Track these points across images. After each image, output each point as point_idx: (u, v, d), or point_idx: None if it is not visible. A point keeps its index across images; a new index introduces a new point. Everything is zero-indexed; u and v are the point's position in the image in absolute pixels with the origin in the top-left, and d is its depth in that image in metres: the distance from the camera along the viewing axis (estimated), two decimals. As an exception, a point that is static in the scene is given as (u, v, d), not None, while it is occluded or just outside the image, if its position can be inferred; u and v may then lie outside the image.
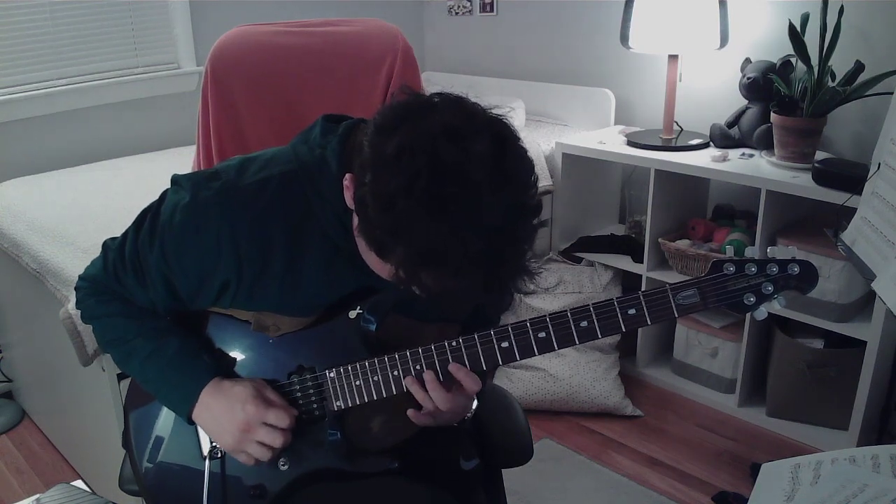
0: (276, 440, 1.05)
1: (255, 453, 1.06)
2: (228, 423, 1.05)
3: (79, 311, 1.17)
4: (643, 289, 1.00)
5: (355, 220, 0.92)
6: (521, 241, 0.87)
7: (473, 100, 0.89)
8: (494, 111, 0.89)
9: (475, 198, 0.82)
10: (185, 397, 1.08)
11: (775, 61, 2.33)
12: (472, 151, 0.82)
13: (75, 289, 1.16)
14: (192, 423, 1.10)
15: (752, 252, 0.98)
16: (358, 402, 1.08)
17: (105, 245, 1.13)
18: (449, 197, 0.81)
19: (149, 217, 1.07)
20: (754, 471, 2.19)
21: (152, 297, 1.09)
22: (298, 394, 1.10)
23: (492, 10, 3.30)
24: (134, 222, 1.09)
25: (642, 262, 2.60)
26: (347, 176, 0.92)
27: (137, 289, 1.09)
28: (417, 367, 1.03)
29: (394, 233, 0.84)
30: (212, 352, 1.13)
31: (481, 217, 0.82)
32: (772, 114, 2.25)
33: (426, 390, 1.02)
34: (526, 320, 1.01)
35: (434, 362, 1.03)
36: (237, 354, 1.14)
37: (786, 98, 2.22)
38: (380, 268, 0.92)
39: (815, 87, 2.14)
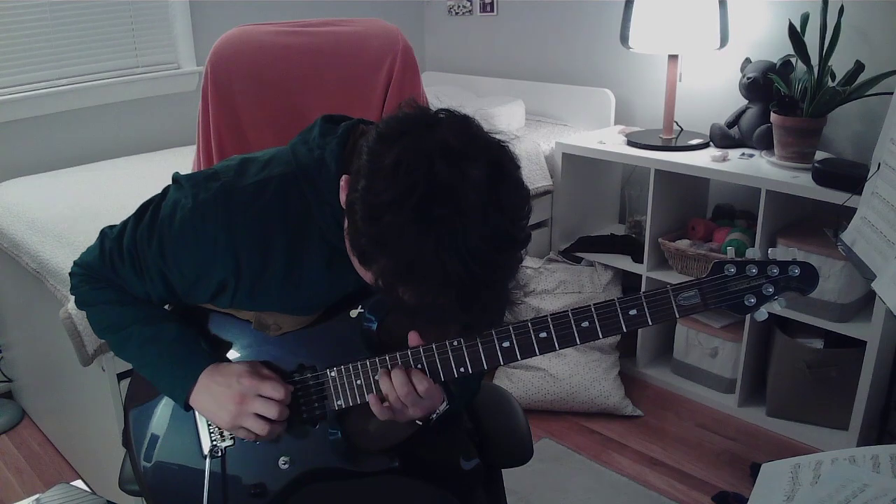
0: (272, 411, 1.06)
1: (252, 427, 1.06)
2: (224, 397, 1.06)
3: (73, 297, 1.18)
4: (643, 289, 1.00)
5: (346, 221, 0.93)
6: (502, 270, 0.86)
7: (480, 122, 0.89)
8: (498, 136, 0.89)
9: (463, 221, 0.81)
10: (183, 381, 1.09)
11: (775, 61, 2.33)
12: (468, 175, 0.82)
13: (70, 274, 1.16)
14: (188, 408, 1.10)
15: (752, 253, 0.98)
16: (359, 402, 1.08)
17: (103, 233, 1.14)
18: (437, 216, 0.81)
19: (150, 211, 1.07)
20: (754, 471, 2.19)
21: (148, 289, 1.09)
22: (299, 393, 1.11)
23: (492, 10, 3.31)
24: (134, 214, 1.09)
25: (642, 262, 2.60)
26: (344, 177, 0.93)
27: (134, 279, 1.09)
28: (419, 366, 1.03)
29: (377, 243, 0.84)
30: (210, 343, 1.14)
31: (466, 241, 0.81)
32: (772, 114, 2.25)
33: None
34: (527, 320, 1.01)
35: (435, 361, 1.03)
36: (238, 353, 1.14)
37: (786, 98, 2.22)
38: (362, 272, 0.93)
39: (815, 87, 2.14)
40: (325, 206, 1.00)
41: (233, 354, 1.14)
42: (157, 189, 1.10)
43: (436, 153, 0.82)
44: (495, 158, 0.85)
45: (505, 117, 2.85)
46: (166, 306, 1.16)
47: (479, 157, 0.84)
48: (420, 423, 1.10)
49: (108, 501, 1.08)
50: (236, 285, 1.04)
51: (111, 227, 1.13)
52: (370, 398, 1.04)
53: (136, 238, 1.07)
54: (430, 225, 0.81)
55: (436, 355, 1.03)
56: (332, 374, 1.08)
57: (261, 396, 1.06)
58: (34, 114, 2.57)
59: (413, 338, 1.03)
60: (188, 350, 1.10)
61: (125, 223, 1.10)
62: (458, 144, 0.84)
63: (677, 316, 0.98)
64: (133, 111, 2.80)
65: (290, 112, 1.45)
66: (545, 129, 3.00)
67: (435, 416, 1.10)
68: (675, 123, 2.58)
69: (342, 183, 0.93)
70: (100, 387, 1.87)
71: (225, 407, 1.06)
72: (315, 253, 1.04)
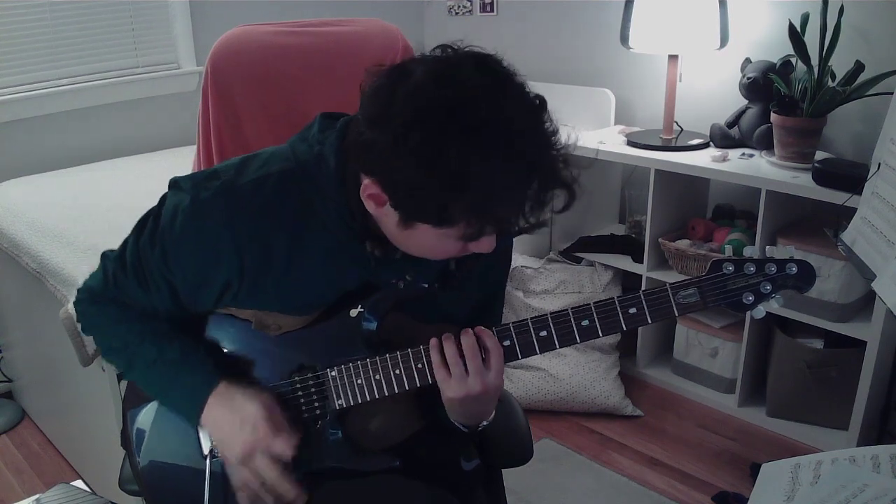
0: (272, 475, 1.04)
1: (249, 481, 1.05)
2: (233, 438, 1.05)
3: (80, 324, 1.17)
4: (643, 289, 1.00)
5: (389, 219, 0.93)
6: (551, 132, 0.91)
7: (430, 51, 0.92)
8: (449, 43, 0.92)
9: (500, 114, 0.85)
10: (192, 405, 1.08)
11: (775, 61, 2.33)
12: (467, 79, 0.85)
13: (75, 302, 1.16)
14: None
15: (750, 252, 0.99)
16: (360, 401, 1.08)
17: (104, 256, 1.13)
18: (481, 127, 0.84)
19: (150, 221, 1.07)
20: (754, 471, 2.19)
21: (154, 301, 1.09)
22: (300, 392, 1.10)
23: (492, 10, 3.31)
24: (133, 229, 1.09)
25: (642, 262, 2.60)
26: (365, 184, 0.92)
27: (139, 293, 1.09)
28: (419, 365, 1.04)
29: (451, 186, 0.85)
30: (215, 354, 1.13)
31: (512, 124, 0.85)
32: (772, 114, 2.25)
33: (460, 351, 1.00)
34: (527, 319, 1.01)
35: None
36: (239, 354, 1.14)
37: (786, 98, 2.22)
38: (437, 246, 0.94)
39: (815, 87, 2.14)
40: (328, 201, 1.00)
41: (235, 356, 1.13)
42: (158, 189, 1.10)
43: (436, 83, 0.85)
44: (472, 54, 0.90)
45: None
46: None
47: (462, 62, 0.88)
48: (466, 430, 1.10)
49: (108, 501, 1.08)
50: (239, 284, 1.04)
51: (111, 250, 1.13)
52: (434, 360, 1.01)
53: (138, 249, 1.06)
54: (480, 137, 0.84)
55: (436, 355, 1.03)
56: (333, 373, 1.08)
57: (268, 454, 1.03)
58: (34, 114, 2.57)
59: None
60: (194, 371, 1.09)
61: (125, 241, 1.10)
62: (440, 66, 0.87)
63: (676, 314, 0.98)
64: (133, 111, 2.80)
65: (291, 112, 1.45)
66: (545, 129, 3.00)
67: (486, 423, 1.10)
68: (675, 123, 2.58)
69: (366, 191, 0.92)
70: (100, 387, 1.87)
71: (231, 448, 1.05)
72: (317, 249, 1.03)
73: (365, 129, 0.89)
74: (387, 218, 0.94)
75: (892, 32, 2.22)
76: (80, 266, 1.82)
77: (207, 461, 1.12)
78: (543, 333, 1.00)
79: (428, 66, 0.87)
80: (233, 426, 1.05)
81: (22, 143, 2.57)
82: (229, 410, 1.06)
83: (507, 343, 1.02)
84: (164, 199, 1.08)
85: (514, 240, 1.22)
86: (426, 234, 0.92)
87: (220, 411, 1.06)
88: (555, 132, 0.91)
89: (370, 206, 0.94)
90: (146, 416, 1.18)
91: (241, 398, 1.06)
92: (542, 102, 0.92)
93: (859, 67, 2.10)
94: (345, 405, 1.09)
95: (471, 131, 0.83)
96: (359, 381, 1.07)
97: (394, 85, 0.87)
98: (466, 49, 0.91)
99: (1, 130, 2.52)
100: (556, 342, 1.00)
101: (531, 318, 1.01)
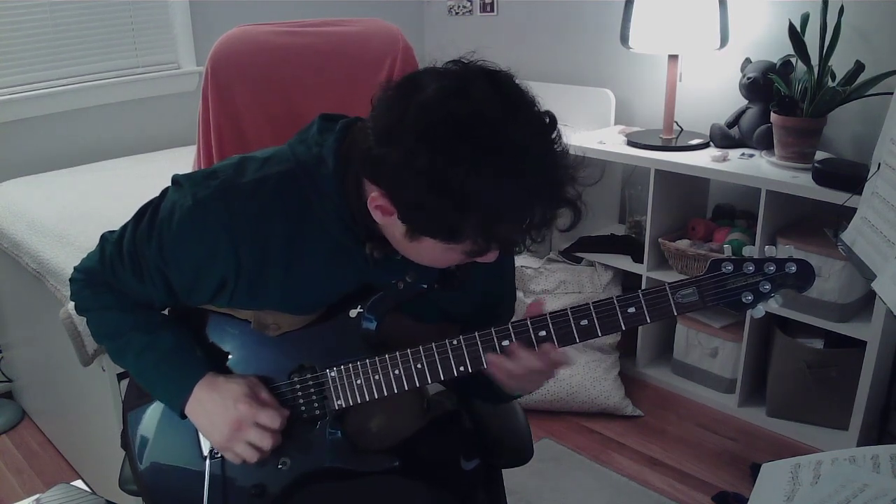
0: (266, 442, 1.06)
1: (242, 453, 1.06)
2: (220, 419, 1.06)
3: (73, 303, 1.17)
4: (642, 288, 1.00)
5: (396, 229, 0.93)
6: (559, 149, 0.91)
7: (440, 63, 0.93)
8: (457, 59, 0.93)
9: (511, 136, 0.85)
10: (178, 391, 1.08)
11: (775, 61, 2.33)
12: (479, 97, 0.86)
13: (70, 280, 1.16)
14: (184, 417, 1.10)
15: (749, 251, 0.99)
16: (359, 401, 1.08)
17: (103, 238, 1.14)
18: (487, 146, 0.84)
19: (149, 212, 1.07)
20: (754, 471, 2.19)
21: (149, 292, 1.09)
22: (299, 392, 1.11)
23: (492, 10, 3.31)
24: (134, 216, 1.10)
25: (642, 262, 2.60)
26: (373, 195, 0.92)
27: (134, 283, 1.09)
28: (419, 365, 1.04)
29: (460, 207, 0.86)
30: (209, 348, 1.13)
31: (522, 146, 0.86)
32: (772, 114, 2.25)
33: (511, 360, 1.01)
34: (527, 319, 1.01)
35: (435, 361, 1.03)
36: (237, 353, 1.14)
37: (786, 98, 2.22)
38: (442, 258, 0.95)
39: (815, 87, 2.14)
40: (326, 202, 1.00)
41: (233, 355, 1.14)
42: (158, 189, 1.10)
43: (441, 101, 0.86)
44: (483, 71, 0.90)
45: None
46: (166, 311, 1.16)
47: (472, 78, 0.88)
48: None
49: (108, 501, 1.08)
50: (236, 283, 1.04)
51: (111, 232, 1.13)
52: (496, 371, 1.02)
53: (135, 240, 1.07)
54: (488, 155, 0.84)
55: (436, 355, 1.03)
56: (332, 373, 1.08)
57: (257, 425, 1.05)
58: (34, 114, 2.57)
59: (535, 308, 1.04)
60: (184, 360, 1.10)
61: (125, 227, 1.10)
62: (449, 82, 0.88)
63: (675, 314, 0.98)
64: (133, 111, 2.80)
65: (290, 112, 1.45)
66: (545, 129, 3.00)
67: None
68: (675, 123, 2.58)
69: (374, 203, 0.92)
70: (100, 387, 1.87)
71: (218, 428, 1.06)
72: (316, 248, 1.04)
73: (374, 143, 0.89)
74: (393, 228, 0.95)
75: (892, 32, 2.22)
76: (80, 266, 1.82)
77: (207, 463, 1.12)
78: (542, 333, 1.00)
79: (440, 81, 0.88)
80: (216, 406, 1.06)
81: (22, 143, 2.57)
82: (213, 393, 1.07)
83: (506, 343, 1.02)
84: (165, 192, 1.08)
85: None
86: (432, 248, 0.93)
87: (204, 395, 1.07)
88: (564, 151, 0.91)
89: (377, 215, 0.94)
90: (147, 417, 1.18)
91: (224, 380, 1.08)
92: (553, 121, 0.92)
93: (859, 67, 2.10)
94: (344, 406, 1.09)
95: (481, 153, 0.84)
96: (358, 382, 1.07)
97: (405, 100, 0.87)
98: (479, 63, 0.92)
99: (1, 130, 2.52)
100: (556, 342, 1.00)
101: (530, 318, 1.01)
